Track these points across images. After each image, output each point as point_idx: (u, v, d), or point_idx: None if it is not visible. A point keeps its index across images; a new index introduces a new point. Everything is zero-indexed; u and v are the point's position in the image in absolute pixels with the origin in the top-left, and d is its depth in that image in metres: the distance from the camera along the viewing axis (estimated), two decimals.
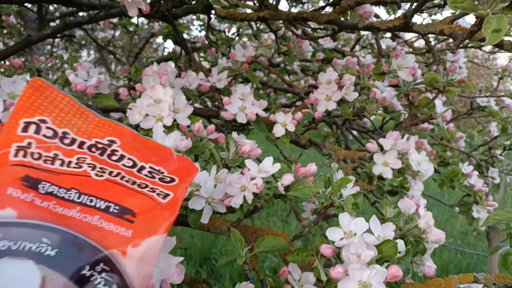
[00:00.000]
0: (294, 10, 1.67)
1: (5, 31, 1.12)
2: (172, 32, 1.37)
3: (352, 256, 0.40)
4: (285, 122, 0.69)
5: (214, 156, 0.59)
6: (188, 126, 0.60)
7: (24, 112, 0.33)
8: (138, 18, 1.03)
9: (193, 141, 0.59)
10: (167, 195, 0.36)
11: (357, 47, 1.75)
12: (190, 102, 0.80)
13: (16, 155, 0.31)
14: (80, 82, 0.68)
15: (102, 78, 0.78)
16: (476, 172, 1.05)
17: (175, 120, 0.59)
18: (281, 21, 0.86)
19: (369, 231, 0.44)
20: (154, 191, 0.35)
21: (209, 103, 1.20)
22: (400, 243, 0.45)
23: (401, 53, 0.62)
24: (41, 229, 0.29)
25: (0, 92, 0.63)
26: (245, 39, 2.00)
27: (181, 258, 0.39)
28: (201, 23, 1.95)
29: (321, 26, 0.89)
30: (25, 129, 0.33)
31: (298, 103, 1.36)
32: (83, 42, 3.03)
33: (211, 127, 0.59)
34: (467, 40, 0.41)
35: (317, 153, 1.09)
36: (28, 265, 0.27)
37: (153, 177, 0.37)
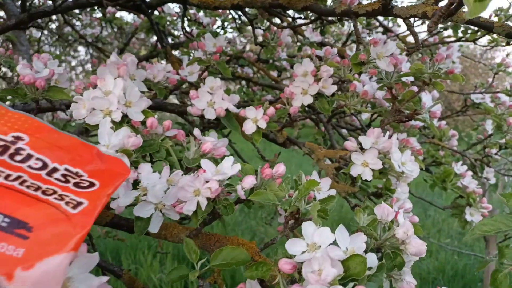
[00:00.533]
0: None
1: None
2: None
3: (312, 274, 0.34)
4: (256, 118, 0.62)
5: (172, 155, 0.53)
6: (142, 123, 0.54)
7: None
8: (105, 8, 0.96)
9: (148, 139, 0.53)
10: (79, 203, 0.29)
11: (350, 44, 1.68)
12: (154, 95, 0.74)
13: None
14: (29, 74, 0.61)
15: (61, 70, 0.71)
16: (470, 173, 0.98)
17: (126, 115, 0.52)
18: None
19: (336, 243, 0.38)
20: (62, 199, 0.29)
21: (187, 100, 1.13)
22: (372, 258, 0.39)
23: (380, 40, 0.55)
24: None
25: None
26: (232, 34, 1.93)
27: (106, 278, 0.32)
28: (189, 17, 1.88)
29: (301, 15, 0.82)
30: None
31: None
32: (70, 37, 2.96)
33: (167, 122, 0.52)
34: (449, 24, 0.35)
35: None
36: None
37: (67, 182, 0.31)
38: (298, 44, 1.29)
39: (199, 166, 0.53)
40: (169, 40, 1.63)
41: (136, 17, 1.98)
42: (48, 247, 0.26)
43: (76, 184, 0.31)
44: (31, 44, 2.92)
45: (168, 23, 1.63)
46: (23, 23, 0.96)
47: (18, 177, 0.29)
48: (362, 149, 0.62)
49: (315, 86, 0.62)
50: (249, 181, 0.45)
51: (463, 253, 2.30)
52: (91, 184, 0.31)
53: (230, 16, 1.46)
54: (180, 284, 1.78)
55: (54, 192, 0.29)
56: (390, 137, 0.59)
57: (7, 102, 0.70)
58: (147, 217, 0.45)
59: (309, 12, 0.74)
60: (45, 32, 3.26)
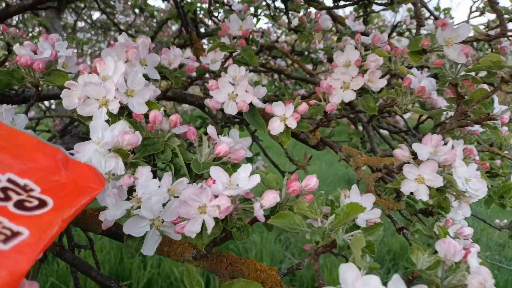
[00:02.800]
0: None
1: None
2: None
3: None
4: (284, 116, 0.52)
5: (179, 158, 0.43)
6: (147, 116, 0.45)
7: None
8: None
9: (150, 136, 0.43)
10: (15, 234, 0.20)
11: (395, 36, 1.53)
12: (171, 84, 0.65)
13: None
14: (26, 54, 0.53)
15: (69, 53, 0.63)
16: None
17: (126, 106, 0.43)
18: None
19: None
20: None
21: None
22: None
23: (449, 23, 0.43)
24: None
25: None
26: (266, 24, 1.82)
27: None
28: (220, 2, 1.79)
29: None
30: None
31: None
32: (98, 25, 2.95)
33: (174, 117, 0.43)
34: None
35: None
36: None
37: (6, 199, 0.21)
38: (337, 34, 1.16)
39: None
40: (202, 30, 1.55)
41: (168, 4, 1.92)
42: None
43: (19, 204, 0.21)
44: (66, 31, 2.94)
45: (201, 11, 1.54)
46: (40, 3, 0.89)
47: None
48: (415, 158, 0.50)
49: (359, 79, 0.51)
50: (271, 198, 0.35)
51: (505, 268, 2.09)
52: (42, 204, 0.22)
53: (263, 3, 1.35)
54: None
55: None
56: (452, 146, 0.47)
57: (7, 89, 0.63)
58: (141, 237, 0.36)
59: None
60: (83, 22, 3.29)
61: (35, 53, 0.59)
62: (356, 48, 0.55)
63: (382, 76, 0.55)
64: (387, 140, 1.02)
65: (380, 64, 0.51)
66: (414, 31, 1.33)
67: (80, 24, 3.37)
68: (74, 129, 1.78)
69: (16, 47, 0.54)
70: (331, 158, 3.68)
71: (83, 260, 0.48)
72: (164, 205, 0.37)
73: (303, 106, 0.50)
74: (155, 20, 2.31)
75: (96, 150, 0.38)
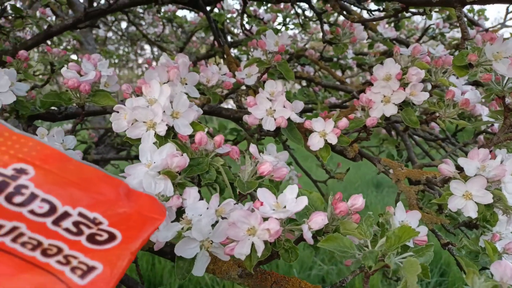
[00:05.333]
0: None
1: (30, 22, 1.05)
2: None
3: None
4: (324, 132, 0.52)
5: (223, 177, 0.44)
6: (191, 136, 0.46)
7: None
8: (162, 4, 0.90)
9: (196, 156, 0.44)
10: (90, 269, 0.21)
11: (425, 39, 1.50)
12: (208, 100, 0.66)
13: None
14: (73, 77, 0.56)
15: (110, 72, 0.66)
16: None
17: (172, 128, 0.44)
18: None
19: None
20: (67, 263, 0.21)
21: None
22: None
23: (498, 36, 0.42)
24: None
25: None
26: (292, 31, 1.82)
27: None
28: (248, 14, 1.80)
29: (380, 7, 0.69)
30: None
31: (350, 103, 1.16)
32: (134, 37, 3.05)
33: (219, 138, 0.43)
34: None
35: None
36: None
37: (79, 233, 0.23)
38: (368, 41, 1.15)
39: (255, 191, 0.44)
40: (228, 38, 1.57)
41: (196, 15, 1.95)
42: None
43: (91, 238, 0.23)
44: (97, 43, 3.04)
45: (227, 20, 1.56)
46: (80, 22, 0.93)
47: (13, 229, 0.21)
48: (460, 172, 0.48)
49: (401, 93, 0.50)
50: (319, 220, 0.35)
51: None
52: (111, 237, 0.23)
53: (292, 12, 1.35)
54: None
55: (59, 251, 0.21)
56: (502, 161, 0.46)
57: (52, 107, 0.66)
58: (191, 258, 0.37)
59: (390, 2, 0.62)
60: (110, 32, 3.39)
61: (79, 74, 0.61)
62: (395, 59, 0.54)
63: (423, 89, 0.54)
64: (423, 147, 1.00)
65: (422, 77, 0.50)
66: (447, 35, 1.30)
67: (109, 34, 3.48)
68: (108, 139, 1.83)
69: (63, 71, 0.57)
70: (368, 167, 3.58)
71: (129, 275, 0.50)
72: (212, 226, 0.38)
73: (344, 122, 0.50)
74: (180, 30, 2.36)
75: (147, 173, 0.39)
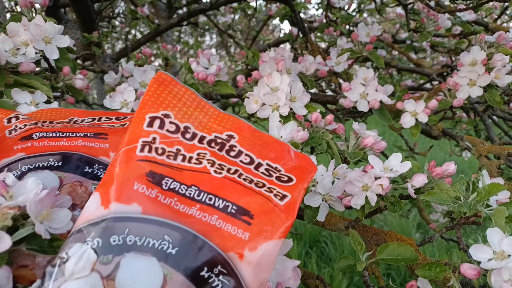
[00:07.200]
0: None
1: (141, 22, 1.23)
2: (289, 13, 1.34)
3: (506, 284, 0.32)
4: (415, 112, 0.60)
5: (332, 148, 0.55)
6: (304, 115, 0.57)
7: (150, 107, 0.34)
8: (256, 1, 1.01)
9: (309, 132, 0.56)
10: (284, 196, 0.33)
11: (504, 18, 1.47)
12: (306, 87, 0.77)
13: (142, 150, 0.32)
14: (202, 71, 0.70)
15: (222, 65, 0.79)
16: None
17: (291, 109, 0.56)
18: None
19: None
20: (271, 191, 0.33)
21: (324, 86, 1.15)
22: None
23: None
24: (164, 226, 0.29)
25: (132, 81, 0.69)
26: (365, 14, 1.86)
27: (298, 262, 0.36)
28: (319, 0, 1.87)
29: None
30: (150, 124, 0.33)
31: (427, 86, 1.21)
32: (206, 27, 3.22)
33: (330, 117, 0.54)
34: None
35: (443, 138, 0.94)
36: (151, 262, 0.27)
37: (270, 176, 0.35)
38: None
39: (358, 160, 0.55)
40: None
41: (263, 3, 2.05)
42: (265, 233, 0.31)
43: (278, 178, 0.35)
44: (172, 33, 3.25)
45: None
46: (183, 20, 1.08)
47: (236, 171, 0.34)
48: None
49: (486, 77, 0.57)
50: (421, 180, 0.45)
51: None
52: (289, 179, 0.35)
53: None
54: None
55: (264, 185, 0.34)
56: None
57: None
58: (316, 207, 0.48)
59: None
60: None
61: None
62: (480, 46, 0.61)
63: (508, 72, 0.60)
64: (502, 127, 1.02)
65: (507, 62, 0.57)
66: None
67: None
68: None
69: (194, 66, 0.71)
70: (445, 149, 3.47)
71: None
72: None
73: (433, 103, 0.58)
74: (254, 19, 2.48)
75: None
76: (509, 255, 0.35)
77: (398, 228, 2.01)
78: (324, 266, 1.94)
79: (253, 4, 1.86)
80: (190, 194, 0.31)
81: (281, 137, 0.52)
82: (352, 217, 0.57)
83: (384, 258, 0.45)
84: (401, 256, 0.45)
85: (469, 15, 1.07)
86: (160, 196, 0.30)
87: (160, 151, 0.32)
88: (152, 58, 0.89)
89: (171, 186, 0.31)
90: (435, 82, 1.18)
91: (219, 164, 0.34)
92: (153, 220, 0.29)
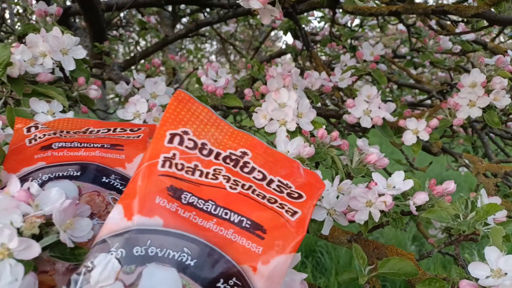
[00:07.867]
0: (430, 1, 1.51)
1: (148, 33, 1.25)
2: (293, 26, 1.37)
3: None
4: (417, 130, 0.62)
5: (337, 164, 0.57)
6: (310, 131, 0.59)
7: (170, 124, 0.36)
8: None
9: (315, 147, 0.58)
10: (295, 212, 0.35)
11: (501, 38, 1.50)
12: (311, 102, 0.79)
13: (163, 165, 0.34)
14: (211, 84, 0.72)
15: (229, 78, 0.81)
16: None
17: (298, 125, 0.58)
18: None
19: None
20: (282, 208, 0.35)
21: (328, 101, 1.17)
22: None
23: None
24: (183, 238, 0.31)
25: (144, 92, 0.71)
26: (366, 29, 1.89)
27: (306, 275, 0.38)
28: (321, 14, 1.91)
29: (464, 19, 0.78)
30: (170, 141, 0.35)
31: (426, 102, 1.23)
32: (206, 34, 3.26)
33: (335, 134, 0.57)
34: None
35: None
36: (171, 272, 0.29)
37: (281, 192, 0.37)
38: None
39: (363, 176, 0.57)
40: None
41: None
42: (277, 248, 0.33)
43: (289, 195, 0.37)
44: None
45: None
46: (191, 31, 1.10)
47: (250, 187, 0.36)
48: None
49: (485, 99, 0.60)
50: (422, 197, 0.47)
51: None
52: (300, 196, 0.37)
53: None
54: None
55: (276, 201, 0.36)
56: None
57: None
58: (321, 221, 0.50)
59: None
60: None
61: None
62: (479, 69, 0.64)
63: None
64: (499, 145, 1.05)
65: (506, 85, 0.59)
66: None
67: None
68: None
69: (203, 79, 0.73)
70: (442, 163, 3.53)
71: None
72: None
73: (435, 122, 0.61)
74: (253, 30, 2.52)
75: None
76: (506, 273, 0.37)
77: (394, 240, 2.02)
78: (320, 276, 1.95)
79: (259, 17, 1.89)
80: (207, 208, 0.33)
81: (288, 151, 0.54)
82: (353, 230, 0.59)
83: (385, 272, 0.47)
84: (401, 270, 0.47)
85: (469, 35, 1.10)
86: (180, 210, 0.32)
87: (179, 166, 0.34)
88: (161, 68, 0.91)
89: (190, 201, 0.33)
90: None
91: (234, 180, 0.36)
92: (174, 232, 0.31)
